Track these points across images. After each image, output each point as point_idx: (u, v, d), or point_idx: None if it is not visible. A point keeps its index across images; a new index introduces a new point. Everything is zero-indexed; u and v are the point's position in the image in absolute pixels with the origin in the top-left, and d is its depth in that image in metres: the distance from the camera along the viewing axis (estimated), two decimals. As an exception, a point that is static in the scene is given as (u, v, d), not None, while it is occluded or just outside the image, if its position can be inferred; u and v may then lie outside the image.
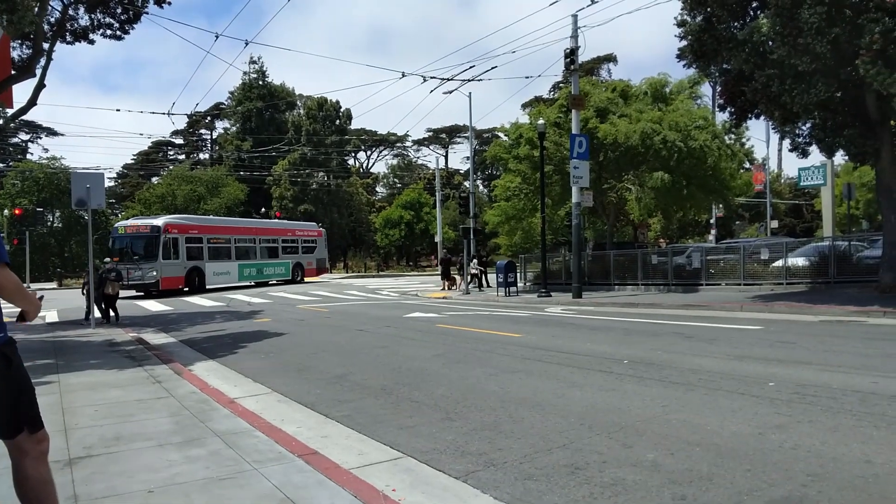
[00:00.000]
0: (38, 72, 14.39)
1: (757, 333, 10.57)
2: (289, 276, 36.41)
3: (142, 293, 27.62)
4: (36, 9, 11.52)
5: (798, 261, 18.92)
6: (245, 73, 66.59)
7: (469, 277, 26.99)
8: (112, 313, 16.95)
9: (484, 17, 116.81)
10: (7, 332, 2.90)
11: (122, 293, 25.07)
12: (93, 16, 16.89)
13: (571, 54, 19.88)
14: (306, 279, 37.91)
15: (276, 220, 43.62)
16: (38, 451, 2.98)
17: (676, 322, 12.80)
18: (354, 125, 68.71)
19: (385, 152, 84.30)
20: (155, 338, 13.44)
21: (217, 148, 73.19)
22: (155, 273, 27.15)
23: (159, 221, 28.47)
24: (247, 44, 19.97)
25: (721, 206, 36.33)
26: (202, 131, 77.94)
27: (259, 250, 34.34)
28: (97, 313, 16.21)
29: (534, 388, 6.97)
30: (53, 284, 40.55)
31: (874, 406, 5.55)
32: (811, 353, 8.40)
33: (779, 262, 19.09)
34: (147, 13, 16.83)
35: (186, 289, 28.82)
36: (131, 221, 29.54)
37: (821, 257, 18.25)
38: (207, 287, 30.17)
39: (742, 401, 5.95)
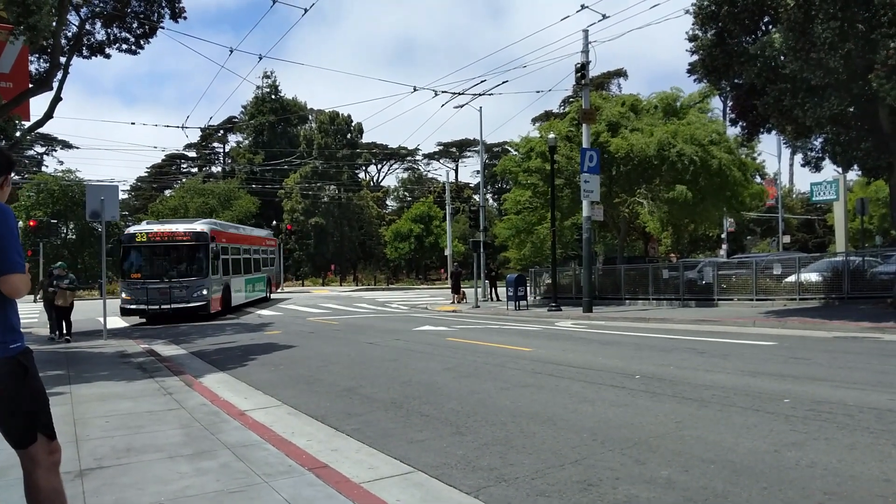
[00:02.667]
0: (55, 85, 14.59)
1: (770, 349, 10.47)
2: (265, 292, 31.33)
3: (136, 317, 21.40)
4: (54, 22, 11.69)
5: (811, 276, 18.75)
6: (258, 87, 67.30)
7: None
8: (65, 327, 15.52)
9: (510, 28, 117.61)
10: (24, 341, 2.92)
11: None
12: (109, 30, 17.18)
13: (582, 69, 19.94)
14: (271, 295, 33.27)
15: (249, 227, 36.08)
16: (50, 462, 2.98)
17: (688, 337, 12.70)
18: (366, 139, 69.13)
19: (395, 166, 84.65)
20: (166, 349, 13.47)
21: (229, 161, 73.80)
22: (205, 292, 20.82)
23: (203, 227, 21.94)
24: (260, 58, 20.35)
25: (732, 220, 36.17)
26: (215, 144, 78.60)
27: (253, 262, 28.77)
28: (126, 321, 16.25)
29: (545, 402, 6.92)
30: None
31: (892, 423, 5.46)
32: (826, 370, 8.30)
33: (791, 278, 18.93)
34: (162, 28, 17.10)
35: (220, 309, 22.57)
36: (161, 227, 22.06)
37: (834, 273, 18.09)
38: (232, 306, 24.63)
39: (757, 417, 5.88)
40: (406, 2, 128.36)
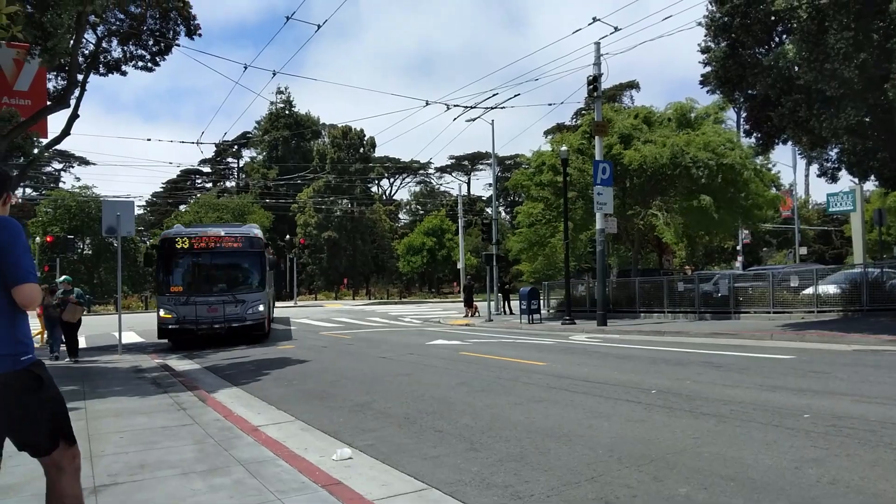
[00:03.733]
0: (72, 103, 14.78)
1: (789, 363, 10.31)
2: (272, 309, 26.88)
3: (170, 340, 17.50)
4: (71, 41, 11.87)
5: (829, 288, 18.51)
6: (272, 102, 68.05)
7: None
8: (71, 344, 14.47)
9: (527, 39, 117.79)
10: (34, 352, 2.97)
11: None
12: (125, 48, 17.40)
13: (594, 81, 19.95)
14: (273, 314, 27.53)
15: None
16: (74, 468, 3.07)
17: (705, 351, 12.55)
18: (378, 153, 69.58)
19: (408, 179, 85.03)
20: (179, 364, 13.52)
21: (244, 176, 74.44)
22: (262, 308, 17.68)
23: (258, 231, 18.96)
24: (274, 74, 20.52)
25: (748, 232, 35.85)
26: (229, 160, 79.37)
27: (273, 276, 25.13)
28: (125, 341, 16.21)
29: (560, 417, 6.85)
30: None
31: (916, 440, 5.34)
32: (846, 384, 8.15)
33: (809, 290, 18.68)
34: (178, 45, 17.30)
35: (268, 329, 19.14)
36: (206, 231, 18.19)
37: (852, 285, 17.84)
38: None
39: (776, 433, 5.77)
40: (425, 15, 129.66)
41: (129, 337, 20.40)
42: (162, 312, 17.01)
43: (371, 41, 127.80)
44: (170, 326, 16.88)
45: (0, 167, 3.21)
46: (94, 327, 25.05)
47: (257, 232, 18.63)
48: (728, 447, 5.40)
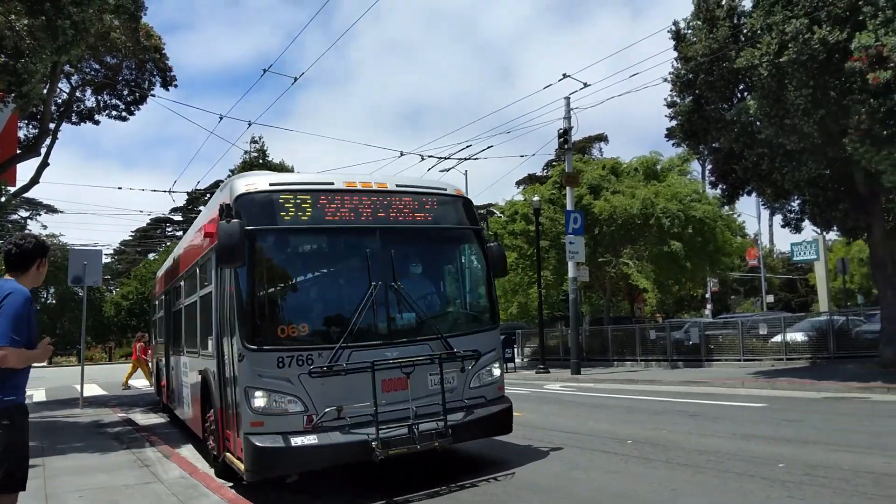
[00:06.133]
0: (43, 151, 14.62)
1: (761, 411, 10.36)
2: None
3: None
4: (45, 89, 11.82)
5: (797, 336, 18.80)
6: (245, 151, 68.05)
7: None
8: None
9: (515, 89, 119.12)
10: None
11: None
12: (99, 97, 17.39)
13: (565, 134, 20.39)
14: None
15: None
16: None
17: (678, 399, 12.56)
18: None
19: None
20: (143, 418, 13.09)
21: (215, 224, 73.85)
22: (498, 372, 7.17)
23: (460, 189, 7.85)
24: (249, 124, 20.69)
25: (716, 280, 36.45)
26: (200, 208, 78.81)
27: None
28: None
29: (536, 470, 6.74)
30: (43, 363, 39.73)
31: (889, 488, 5.36)
32: (818, 432, 8.20)
33: (777, 338, 18.95)
34: (153, 95, 17.30)
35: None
36: (353, 180, 6.87)
37: (819, 332, 18.15)
38: None
39: (752, 483, 5.75)
40: (415, 67, 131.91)
41: (92, 390, 19.70)
42: (258, 400, 5.78)
43: (360, 90, 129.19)
44: (293, 443, 5.69)
45: (39, 238, 3.79)
46: (55, 380, 24.21)
47: (460, 190, 7.93)
48: (706, 498, 5.36)
